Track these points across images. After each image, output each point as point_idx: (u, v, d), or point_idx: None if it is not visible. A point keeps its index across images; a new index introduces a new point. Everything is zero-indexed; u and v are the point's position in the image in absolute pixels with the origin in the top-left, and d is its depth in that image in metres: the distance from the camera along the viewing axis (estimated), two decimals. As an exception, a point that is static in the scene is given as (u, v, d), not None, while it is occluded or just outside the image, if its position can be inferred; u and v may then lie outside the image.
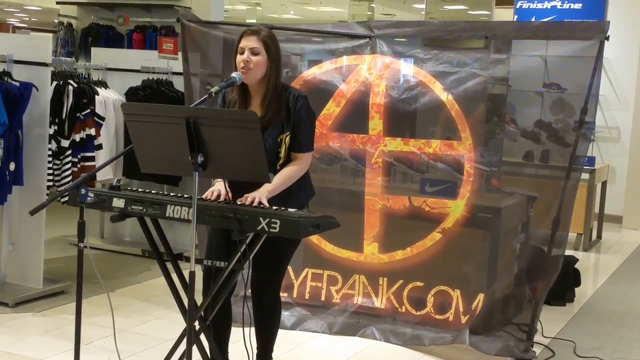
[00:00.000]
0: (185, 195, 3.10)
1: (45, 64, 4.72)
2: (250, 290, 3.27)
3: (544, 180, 4.80)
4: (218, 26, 4.80)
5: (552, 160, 4.81)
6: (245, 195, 2.97)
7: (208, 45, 4.78)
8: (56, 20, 9.01)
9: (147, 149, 2.87)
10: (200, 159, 2.71)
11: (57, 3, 8.72)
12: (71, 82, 5.11)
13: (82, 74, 5.56)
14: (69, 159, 5.06)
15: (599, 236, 8.00)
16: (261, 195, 2.96)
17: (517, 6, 9.17)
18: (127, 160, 5.61)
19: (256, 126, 2.67)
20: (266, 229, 2.77)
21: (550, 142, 4.88)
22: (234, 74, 3.11)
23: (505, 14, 10.76)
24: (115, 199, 3.05)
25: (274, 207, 2.92)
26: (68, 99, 5.04)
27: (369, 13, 16.75)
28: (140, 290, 5.10)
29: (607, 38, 3.97)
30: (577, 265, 5.63)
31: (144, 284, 5.25)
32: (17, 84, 4.61)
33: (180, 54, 5.07)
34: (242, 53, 3.11)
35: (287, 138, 3.14)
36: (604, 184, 8.17)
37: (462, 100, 4.24)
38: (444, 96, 4.26)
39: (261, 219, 2.78)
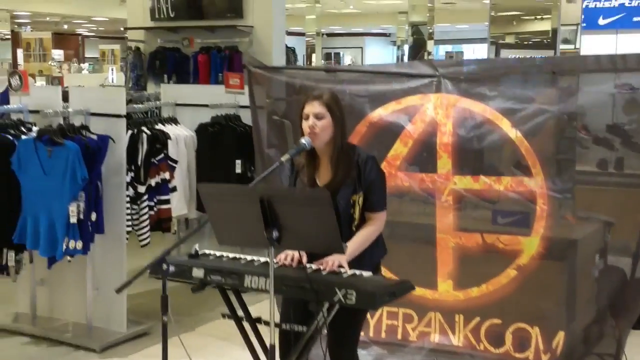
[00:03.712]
0: (262, 259, 3.19)
1: (120, 116, 4.89)
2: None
3: (622, 192, 4.59)
4: (282, 71, 4.87)
5: (628, 167, 4.64)
6: (326, 259, 3.04)
7: (272, 89, 4.87)
8: (126, 46, 9.31)
9: (223, 225, 2.96)
10: (275, 234, 2.79)
11: (125, 29, 9.03)
12: (144, 129, 5.28)
13: (153, 111, 5.73)
14: (146, 203, 5.24)
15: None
16: (341, 259, 3.03)
17: (584, 5, 8.98)
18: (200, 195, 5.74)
19: (328, 203, 2.73)
20: (343, 301, 2.84)
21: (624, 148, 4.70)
22: (302, 140, 3.18)
23: (570, 9, 10.51)
24: (195, 269, 3.17)
25: (348, 271, 2.98)
26: (142, 146, 5.21)
27: (429, 5, 16.46)
28: (219, 327, 5.21)
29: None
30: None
31: (223, 321, 5.35)
32: (95, 137, 4.79)
33: (246, 88, 5.16)
34: (307, 119, 3.19)
35: (360, 199, 3.20)
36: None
37: (531, 136, 4.18)
38: (513, 133, 4.21)
39: (337, 289, 2.85)
